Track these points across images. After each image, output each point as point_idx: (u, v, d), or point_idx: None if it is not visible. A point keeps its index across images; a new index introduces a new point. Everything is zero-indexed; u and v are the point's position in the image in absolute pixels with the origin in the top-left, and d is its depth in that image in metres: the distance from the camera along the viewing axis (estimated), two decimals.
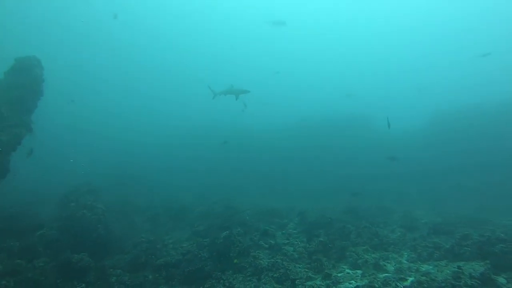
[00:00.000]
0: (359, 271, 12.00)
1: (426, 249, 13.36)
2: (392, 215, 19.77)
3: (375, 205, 22.13)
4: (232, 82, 19.35)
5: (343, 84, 63.16)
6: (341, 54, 71.08)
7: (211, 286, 11.13)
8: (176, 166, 34.84)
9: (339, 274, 11.68)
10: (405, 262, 12.84)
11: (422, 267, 12.03)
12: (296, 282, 10.98)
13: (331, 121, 36.94)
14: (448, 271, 10.25)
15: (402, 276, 10.97)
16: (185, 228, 18.75)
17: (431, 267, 11.94)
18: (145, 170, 32.63)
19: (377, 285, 9.94)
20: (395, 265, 12.41)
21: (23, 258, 11.94)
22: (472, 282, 9.16)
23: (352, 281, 10.99)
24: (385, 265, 12.39)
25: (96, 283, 11.39)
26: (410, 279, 10.59)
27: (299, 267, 12.15)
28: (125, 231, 17.26)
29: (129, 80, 72.94)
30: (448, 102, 38.11)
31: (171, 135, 47.04)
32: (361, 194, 25.61)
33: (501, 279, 9.87)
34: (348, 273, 11.96)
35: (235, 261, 12.86)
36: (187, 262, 13.40)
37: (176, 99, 72.45)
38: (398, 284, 9.94)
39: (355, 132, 34.87)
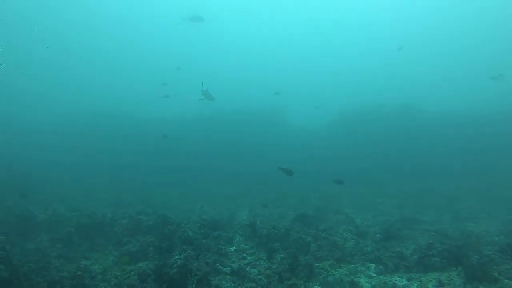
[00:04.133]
0: None
1: (391, 260, 13.05)
2: (329, 217, 19.54)
3: (309, 206, 21.79)
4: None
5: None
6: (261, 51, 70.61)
7: None
8: (74, 163, 29.70)
9: None
10: (375, 275, 12.43)
11: (397, 281, 11.70)
12: None
13: (243, 114, 35.81)
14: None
15: None
16: (107, 247, 15.61)
17: (405, 280, 11.71)
18: (35, 168, 27.05)
19: None
20: (367, 280, 11.96)
21: None
22: None
23: None
24: (359, 282, 11.77)
25: None
26: None
27: None
28: (32, 262, 13.46)
29: None
30: (354, 103, 40.30)
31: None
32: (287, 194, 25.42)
33: None
34: None
35: None
36: None
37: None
38: None
39: (268, 127, 34.36)
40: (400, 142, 30.80)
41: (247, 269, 12.49)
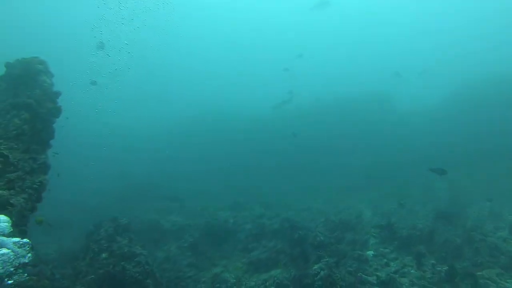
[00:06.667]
0: None
1: None
2: (468, 212, 16.99)
3: (438, 198, 19.45)
4: None
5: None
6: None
7: None
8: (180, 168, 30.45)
9: None
10: None
11: None
12: None
13: (344, 102, 33.72)
14: None
15: None
16: (233, 254, 15.29)
17: None
18: (145, 176, 28.39)
19: None
20: None
21: None
22: None
23: None
24: None
25: None
26: None
27: None
28: (167, 272, 13.63)
29: None
30: (473, 73, 35.08)
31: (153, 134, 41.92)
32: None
33: None
34: None
35: None
36: None
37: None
38: None
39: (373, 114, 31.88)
40: None
41: (397, 279, 11.08)
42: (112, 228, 12.34)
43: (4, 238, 5.35)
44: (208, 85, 58.48)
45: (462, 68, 42.49)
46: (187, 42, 62.97)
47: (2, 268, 4.91)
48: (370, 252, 13.18)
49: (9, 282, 5.59)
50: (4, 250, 5.08)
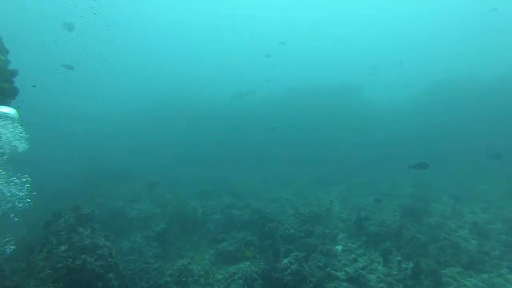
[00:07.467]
0: None
1: None
2: (432, 209, 17.38)
3: (405, 194, 19.83)
4: None
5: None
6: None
7: None
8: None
9: None
10: None
11: None
12: None
13: (319, 96, 33.62)
14: None
15: None
16: (201, 244, 14.98)
17: None
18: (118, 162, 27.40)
19: None
20: None
21: None
22: None
23: None
24: None
25: None
26: None
27: None
28: (131, 263, 13.14)
29: None
30: (443, 73, 35.96)
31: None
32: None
33: None
34: None
35: None
36: None
37: None
38: None
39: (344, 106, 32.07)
40: (499, 120, 26.70)
41: (365, 275, 11.12)
42: (74, 217, 11.64)
43: None
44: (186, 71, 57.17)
45: (434, 66, 43.60)
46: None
47: None
48: (339, 247, 13.22)
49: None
50: None
